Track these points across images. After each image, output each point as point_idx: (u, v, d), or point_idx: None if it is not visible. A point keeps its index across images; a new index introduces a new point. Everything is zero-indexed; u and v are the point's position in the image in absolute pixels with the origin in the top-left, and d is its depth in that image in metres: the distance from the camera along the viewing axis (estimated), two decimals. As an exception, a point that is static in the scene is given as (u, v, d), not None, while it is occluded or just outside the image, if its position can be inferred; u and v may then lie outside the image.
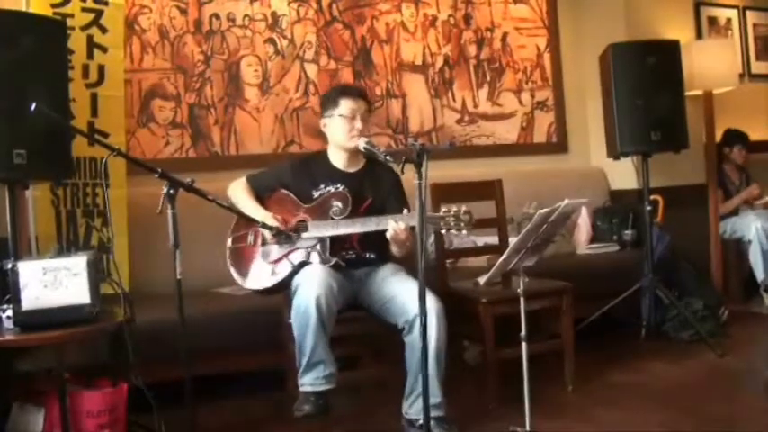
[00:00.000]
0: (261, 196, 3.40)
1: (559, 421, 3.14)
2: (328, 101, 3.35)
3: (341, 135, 3.28)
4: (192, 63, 4.48)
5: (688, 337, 4.32)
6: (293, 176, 3.38)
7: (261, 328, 3.49)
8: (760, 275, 5.19)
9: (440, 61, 5.17)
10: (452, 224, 2.89)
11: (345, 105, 3.26)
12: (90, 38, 3.66)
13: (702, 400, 3.37)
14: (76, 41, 3.57)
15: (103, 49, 3.70)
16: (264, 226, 3.12)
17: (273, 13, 4.69)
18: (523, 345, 2.88)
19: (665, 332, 4.42)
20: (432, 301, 2.94)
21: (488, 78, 5.31)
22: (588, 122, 5.54)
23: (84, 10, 3.64)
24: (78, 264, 2.67)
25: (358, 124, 3.24)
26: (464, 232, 2.92)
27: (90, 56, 3.67)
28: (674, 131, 4.49)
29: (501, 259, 2.84)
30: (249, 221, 3.20)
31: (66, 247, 3.53)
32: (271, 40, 4.67)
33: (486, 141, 5.29)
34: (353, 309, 3.21)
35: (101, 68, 3.69)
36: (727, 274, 5.29)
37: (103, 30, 3.70)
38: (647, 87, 4.45)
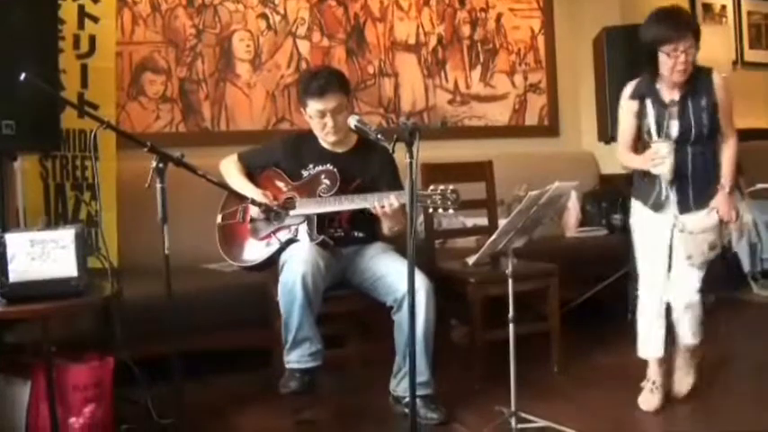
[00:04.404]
0: (252, 173, 3.39)
1: (544, 402, 3.16)
2: (298, 95, 3.30)
3: (316, 132, 3.28)
4: (184, 37, 4.44)
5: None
6: (284, 154, 3.37)
7: (248, 305, 3.50)
8: (746, 267, 5.22)
9: (433, 41, 5.14)
10: (439, 202, 2.84)
11: (311, 107, 3.19)
12: (81, 8, 3.62)
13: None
14: (67, 11, 3.53)
15: (95, 19, 3.66)
16: (253, 202, 3.12)
17: (267, -12, 4.65)
18: (511, 326, 2.90)
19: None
20: (421, 280, 2.95)
21: (481, 59, 5.30)
22: (580, 106, 5.54)
23: (75, -20, 3.60)
24: (66, 237, 2.65)
25: (329, 122, 3.18)
26: (451, 211, 2.88)
27: (81, 26, 3.63)
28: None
29: (490, 240, 2.84)
30: (238, 198, 3.19)
31: (54, 219, 3.51)
32: (263, 16, 4.63)
33: (477, 122, 5.29)
34: (341, 287, 3.22)
35: (92, 39, 3.65)
36: (715, 261, 5.29)
37: None
38: (640, 72, 4.42)
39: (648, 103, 3.06)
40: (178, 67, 4.43)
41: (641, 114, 3.09)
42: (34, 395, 2.75)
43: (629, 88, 3.18)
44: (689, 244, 3.05)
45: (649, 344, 3.15)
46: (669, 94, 3.04)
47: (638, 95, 3.11)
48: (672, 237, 3.08)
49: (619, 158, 3.30)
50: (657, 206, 3.09)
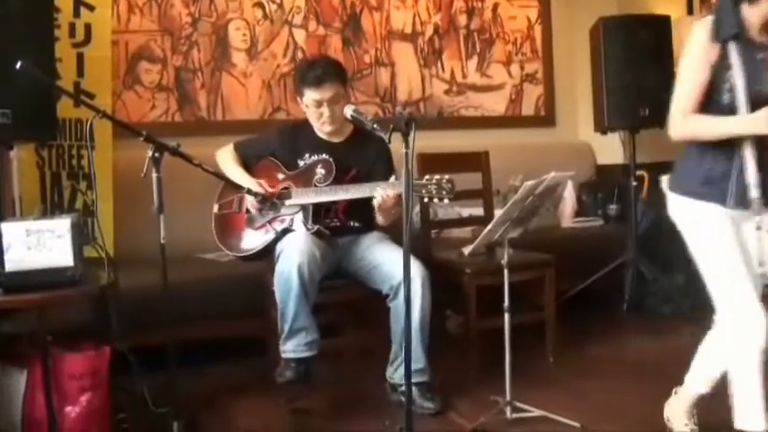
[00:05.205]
0: (248, 163, 3.39)
1: (539, 391, 3.18)
2: (295, 84, 3.29)
3: (313, 121, 3.27)
4: (180, 25, 4.43)
5: (669, 311, 4.36)
6: (280, 144, 3.36)
7: (244, 295, 3.51)
8: None
9: (429, 30, 5.13)
10: (434, 192, 2.83)
11: (308, 96, 3.18)
12: (77, -4, 3.62)
13: (680, 373, 3.40)
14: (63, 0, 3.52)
15: (90, 8, 3.65)
16: (249, 192, 3.12)
17: (263, -23, 4.63)
18: (506, 316, 2.91)
19: (646, 306, 4.46)
20: (417, 269, 2.96)
21: (478, 49, 5.28)
22: (577, 96, 5.53)
23: (70, -32, 3.58)
24: (62, 226, 2.65)
25: (326, 112, 3.17)
26: (446, 201, 2.87)
27: (77, 14, 3.62)
28: (663, 107, 4.43)
29: (486, 230, 2.85)
30: (235, 187, 3.20)
31: (50, 209, 3.51)
32: (259, 4, 4.62)
33: (473, 113, 5.28)
34: (337, 276, 3.22)
35: (87, 27, 3.64)
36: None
37: (90, -12, 3.65)
38: (636, 62, 4.44)
39: (733, 47, 2.21)
40: (174, 56, 4.42)
41: (721, 65, 2.24)
42: (30, 384, 2.75)
43: (706, 27, 2.25)
44: (766, 246, 2.31)
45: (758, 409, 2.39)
46: (758, 36, 2.25)
47: (724, 37, 2.21)
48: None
49: (679, 131, 2.48)
50: (744, 202, 2.29)
